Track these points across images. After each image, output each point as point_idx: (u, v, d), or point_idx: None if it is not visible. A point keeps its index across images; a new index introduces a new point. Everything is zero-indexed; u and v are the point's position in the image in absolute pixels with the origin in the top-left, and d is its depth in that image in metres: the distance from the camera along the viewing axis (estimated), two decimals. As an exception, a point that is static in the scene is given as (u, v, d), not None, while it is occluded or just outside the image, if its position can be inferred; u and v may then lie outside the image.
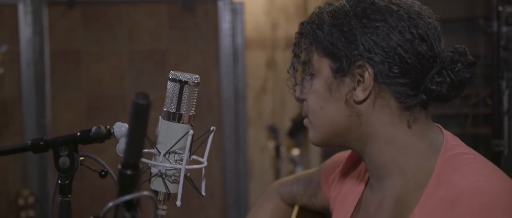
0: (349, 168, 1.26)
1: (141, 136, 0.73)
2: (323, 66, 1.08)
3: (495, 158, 2.38)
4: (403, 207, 1.06)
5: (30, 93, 3.65)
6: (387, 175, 1.09)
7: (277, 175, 3.41)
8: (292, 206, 1.44)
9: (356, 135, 1.09)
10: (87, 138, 1.14)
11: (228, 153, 3.82)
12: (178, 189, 1.08)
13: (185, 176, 1.09)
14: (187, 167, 1.08)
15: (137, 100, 0.70)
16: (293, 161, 3.37)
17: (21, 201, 3.20)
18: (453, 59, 1.05)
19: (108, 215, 0.77)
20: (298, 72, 1.12)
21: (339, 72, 1.06)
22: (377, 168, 1.11)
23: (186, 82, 1.08)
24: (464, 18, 3.05)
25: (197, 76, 1.10)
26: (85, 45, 3.78)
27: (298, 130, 3.35)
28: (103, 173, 1.16)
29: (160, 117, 1.10)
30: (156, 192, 1.10)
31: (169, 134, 1.08)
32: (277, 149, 3.46)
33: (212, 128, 1.13)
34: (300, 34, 1.11)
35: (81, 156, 1.15)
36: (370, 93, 1.06)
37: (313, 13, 1.11)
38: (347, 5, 1.07)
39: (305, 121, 1.14)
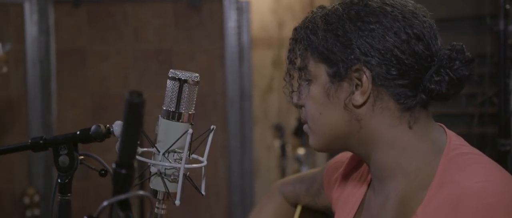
0: (352, 169, 1.25)
1: (135, 135, 0.72)
2: (320, 71, 1.06)
3: (501, 157, 2.36)
4: (406, 208, 1.04)
5: (36, 92, 3.66)
6: (389, 176, 1.08)
7: (283, 174, 3.40)
8: (295, 206, 1.43)
9: (357, 138, 1.08)
10: (87, 137, 1.13)
11: (234, 152, 3.81)
12: (177, 188, 1.07)
13: (185, 175, 1.08)
14: (186, 166, 1.07)
15: (131, 99, 0.69)
16: (299, 160, 3.36)
17: (26, 200, 3.20)
18: (451, 57, 1.03)
19: (104, 214, 0.77)
20: (294, 79, 1.11)
21: (336, 77, 1.05)
22: (380, 170, 1.09)
23: (185, 81, 1.07)
24: (471, 17, 3.03)
25: (197, 75, 1.09)
26: (91, 44, 3.79)
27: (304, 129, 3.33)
28: (103, 171, 1.16)
29: (159, 116, 1.09)
30: (155, 191, 1.09)
31: (169, 132, 1.08)
32: (282, 148, 3.45)
33: (212, 127, 1.12)
34: (294, 40, 1.10)
35: (81, 155, 1.14)
36: (369, 96, 1.04)
37: (306, 17, 1.09)
38: (340, 9, 1.06)
39: (305, 127, 1.13)
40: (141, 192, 0.75)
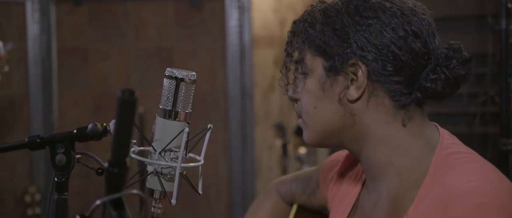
0: (347, 168, 1.25)
1: (128, 133, 0.72)
2: (316, 65, 1.06)
3: (503, 157, 2.34)
4: (398, 208, 1.04)
5: (37, 91, 3.66)
6: (382, 175, 1.08)
7: (284, 173, 3.40)
8: (291, 205, 1.43)
9: (350, 134, 1.07)
10: (84, 135, 1.13)
11: (235, 151, 3.81)
12: (173, 187, 1.07)
13: (181, 174, 1.07)
14: (183, 165, 1.07)
15: (123, 97, 0.69)
16: (300, 160, 3.35)
17: (27, 198, 3.21)
18: (448, 56, 1.03)
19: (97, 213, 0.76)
20: (291, 71, 1.11)
21: (332, 70, 1.05)
22: (372, 168, 1.09)
23: (182, 80, 1.07)
24: (473, 16, 3.01)
25: (194, 73, 1.08)
26: (92, 43, 3.79)
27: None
28: (100, 170, 1.15)
29: (156, 114, 1.09)
30: (152, 190, 1.09)
31: (165, 131, 1.07)
32: (284, 147, 3.44)
33: (208, 126, 1.11)
34: (293, 33, 1.10)
35: (78, 153, 1.14)
36: (363, 91, 1.04)
37: (305, 11, 1.09)
38: (340, 3, 1.06)
39: (299, 121, 1.12)
40: (134, 191, 0.75)
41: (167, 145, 1.06)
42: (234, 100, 3.79)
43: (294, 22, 1.10)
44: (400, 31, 1.02)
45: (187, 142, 1.07)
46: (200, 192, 1.12)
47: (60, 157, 1.12)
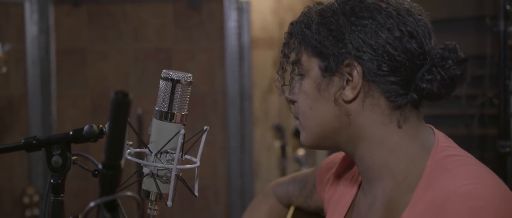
0: (344, 170, 1.24)
1: (121, 135, 0.72)
2: (312, 65, 1.06)
3: (501, 159, 2.34)
4: (393, 210, 1.04)
5: (36, 91, 3.66)
6: (377, 177, 1.07)
7: (283, 174, 3.39)
8: (288, 207, 1.42)
9: (346, 135, 1.07)
10: (80, 137, 1.12)
11: (233, 153, 3.80)
12: (169, 189, 1.06)
13: (177, 176, 1.07)
14: (179, 167, 1.06)
15: (117, 98, 0.69)
16: (299, 161, 3.34)
17: (26, 199, 3.21)
18: (443, 56, 1.03)
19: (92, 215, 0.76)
20: (287, 72, 1.11)
21: (328, 71, 1.04)
22: (368, 170, 1.09)
23: (178, 81, 1.07)
24: (471, 18, 3.01)
25: (190, 75, 1.08)
26: (91, 44, 3.78)
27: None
28: (96, 172, 1.15)
29: (152, 116, 1.08)
30: (148, 192, 1.09)
31: (161, 133, 1.07)
32: (283, 148, 3.44)
33: (205, 128, 1.11)
34: (289, 34, 1.10)
35: (74, 155, 1.14)
36: (359, 92, 1.04)
37: (302, 12, 1.10)
38: (336, 4, 1.06)
39: (296, 123, 1.13)
40: (128, 193, 0.74)
41: (163, 147, 1.06)
42: (233, 101, 3.79)
43: (291, 24, 1.11)
44: (396, 31, 1.02)
45: (183, 144, 1.07)
46: (197, 194, 1.12)
47: (56, 159, 1.12)
